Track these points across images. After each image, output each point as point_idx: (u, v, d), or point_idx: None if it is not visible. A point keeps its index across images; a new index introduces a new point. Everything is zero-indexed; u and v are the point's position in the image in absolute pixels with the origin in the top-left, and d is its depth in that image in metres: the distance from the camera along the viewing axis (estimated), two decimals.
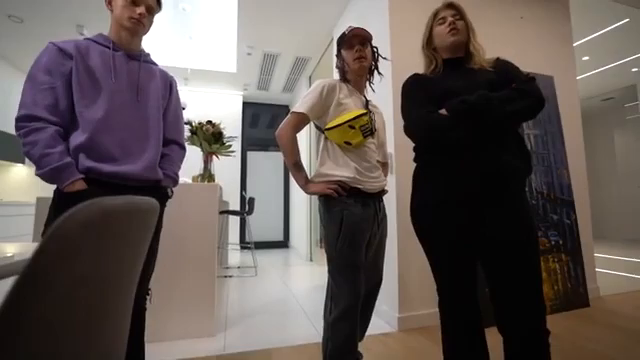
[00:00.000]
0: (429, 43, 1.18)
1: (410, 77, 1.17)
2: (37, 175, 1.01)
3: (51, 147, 0.99)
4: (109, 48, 1.14)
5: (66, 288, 0.32)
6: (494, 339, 1.04)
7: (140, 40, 1.24)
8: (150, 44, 1.25)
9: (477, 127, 0.96)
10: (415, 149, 1.17)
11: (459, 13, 1.12)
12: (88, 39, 1.14)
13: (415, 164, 1.17)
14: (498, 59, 1.10)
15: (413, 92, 1.13)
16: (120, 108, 1.12)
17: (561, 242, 2.41)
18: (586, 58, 4.29)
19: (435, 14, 1.16)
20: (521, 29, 2.68)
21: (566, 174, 2.56)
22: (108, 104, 1.09)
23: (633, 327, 2.00)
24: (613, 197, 5.94)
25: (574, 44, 2.99)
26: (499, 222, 0.97)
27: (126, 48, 1.18)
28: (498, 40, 2.34)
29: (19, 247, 0.79)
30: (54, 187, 1.05)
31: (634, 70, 4.66)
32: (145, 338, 1.25)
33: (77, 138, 1.05)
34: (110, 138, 1.08)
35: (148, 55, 1.28)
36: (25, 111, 1.00)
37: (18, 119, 1.00)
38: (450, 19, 1.11)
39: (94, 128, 1.06)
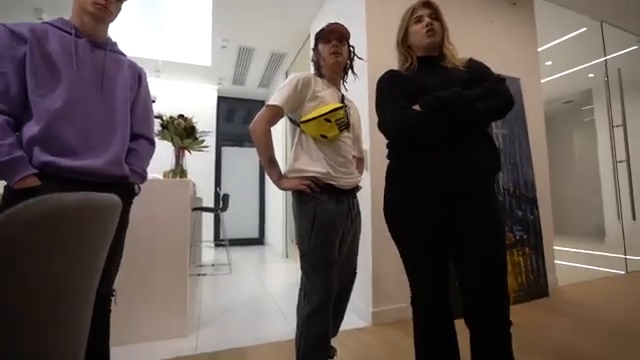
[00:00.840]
0: (404, 40, 1.18)
1: (385, 73, 1.18)
2: None
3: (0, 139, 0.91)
4: (70, 34, 1.06)
5: (16, 290, 0.30)
6: (461, 328, 1.08)
7: (106, 28, 1.16)
8: (118, 33, 1.18)
9: (450, 123, 0.98)
10: (388, 146, 1.18)
11: (435, 13, 1.13)
12: (46, 23, 1.06)
13: (388, 161, 1.18)
14: (471, 59, 1.13)
15: (388, 88, 1.13)
16: (82, 98, 1.05)
17: (525, 237, 2.55)
18: (549, 63, 4.53)
19: (412, 11, 1.16)
20: (490, 32, 2.79)
21: (531, 172, 2.70)
22: (68, 94, 1.02)
23: (588, 315, 2.16)
24: (572, 194, 6.35)
25: (539, 49, 3.15)
26: (469, 218, 1.00)
27: (90, 35, 1.10)
28: (468, 41, 2.41)
29: None
30: (4, 183, 0.97)
31: (590, 76, 4.98)
32: (111, 341, 1.19)
33: (30, 129, 0.97)
34: (70, 130, 1.01)
35: (115, 44, 1.21)
36: None
37: None
38: (427, 19, 1.11)
39: (51, 118, 0.98)
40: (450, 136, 0.99)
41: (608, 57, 3.76)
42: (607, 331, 1.88)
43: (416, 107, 1.01)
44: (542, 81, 3.14)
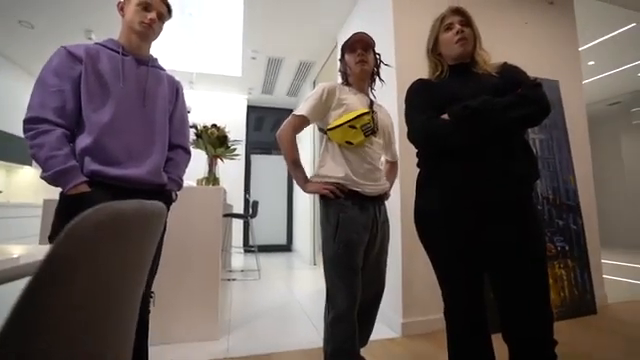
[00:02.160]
0: (434, 49, 1.16)
1: (414, 82, 1.17)
2: (42, 178, 1.02)
3: (57, 149, 1.00)
4: (119, 53, 1.16)
5: (81, 290, 0.33)
6: (497, 344, 1.03)
7: (149, 45, 1.25)
8: (157, 48, 1.27)
9: (479, 132, 0.95)
10: (418, 154, 1.16)
11: (466, 20, 1.10)
12: (98, 44, 1.16)
13: (418, 169, 1.17)
14: (505, 64, 1.09)
15: (416, 98, 1.12)
16: (127, 112, 1.13)
17: (567, 248, 2.38)
18: (592, 63, 4.27)
19: (442, 19, 1.14)
20: (526, 33, 2.68)
21: (572, 179, 2.54)
22: (115, 108, 1.10)
23: None
24: (621, 202, 5.86)
25: (580, 48, 2.97)
26: (506, 229, 0.96)
27: (135, 53, 1.20)
28: (502, 44, 2.34)
29: (25, 249, 0.80)
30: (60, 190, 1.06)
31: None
32: (149, 341, 1.25)
33: (83, 141, 1.06)
34: (116, 142, 1.09)
35: (156, 60, 1.30)
36: (33, 113, 1.01)
37: (26, 121, 1.01)
38: (458, 27, 1.08)
39: (100, 131, 1.06)
40: (481, 145, 0.96)
41: None
42: None
43: (445, 116, 1.00)
44: (584, 82, 2.96)
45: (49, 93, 1.03)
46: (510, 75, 1.05)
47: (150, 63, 1.24)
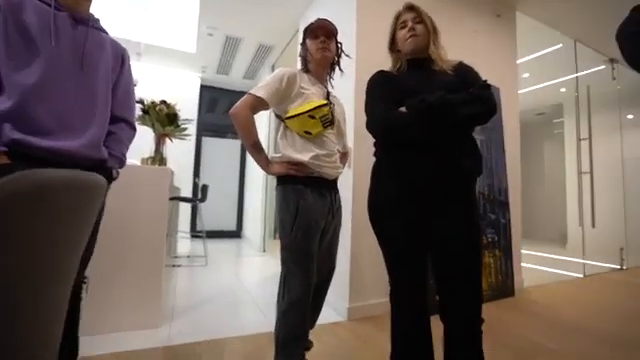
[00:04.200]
0: (393, 46, 1.21)
1: (375, 74, 1.19)
2: None
3: None
4: (50, 5, 1.00)
5: None
6: (434, 325, 1.13)
7: (89, 3, 1.11)
8: (99, 10, 1.12)
9: (434, 126, 1.00)
10: (375, 144, 1.20)
11: (419, 16, 1.15)
12: None
13: (375, 158, 1.20)
14: (461, 63, 1.15)
15: (376, 89, 1.15)
16: (60, 76, 0.99)
17: (496, 239, 2.67)
18: (526, 75, 4.74)
19: (397, 17, 1.19)
20: (474, 41, 2.88)
21: (504, 178, 2.82)
22: (44, 70, 0.96)
23: (550, 314, 2.30)
24: (539, 200, 6.69)
25: (518, 61, 3.28)
26: (450, 219, 1.04)
27: (72, 8, 1.05)
28: (452, 50, 2.48)
29: None
30: None
31: (562, 90, 5.25)
32: (81, 331, 1.15)
33: (1, 104, 0.91)
34: (45, 108, 0.95)
35: (98, 21, 1.15)
36: None
37: None
38: (410, 24, 1.13)
39: (24, 95, 0.92)
40: (435, 139, 1.02)
41: (579, 74, 3.97)
42: (566, 330, 2.01)
43: (402, 109, 1.03)
44: (519, 92, 3.28)
45: None
46: (464, 74, 1.11)
47: (91, 23, 1.10)
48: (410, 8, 1.16)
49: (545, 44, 3.90)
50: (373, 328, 1.95)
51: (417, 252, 1.09)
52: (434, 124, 1.00)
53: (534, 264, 4.04)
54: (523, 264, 3.09)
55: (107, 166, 1.12)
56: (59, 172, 0.36)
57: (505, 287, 2.65)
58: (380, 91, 1.13)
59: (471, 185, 1.10)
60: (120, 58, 1.21)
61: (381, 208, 1.13)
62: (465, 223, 1.05)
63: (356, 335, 1.87)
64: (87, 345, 1.43)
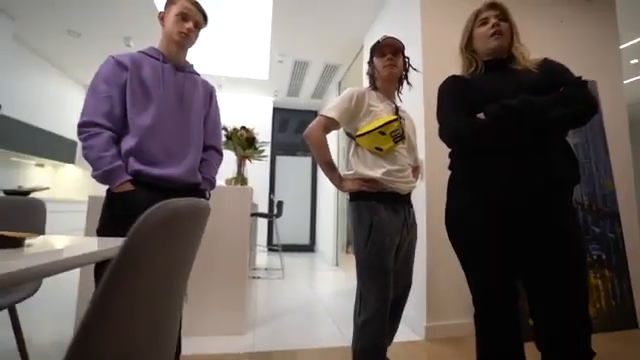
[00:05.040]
0: (468, 45, 1.13)
1: (447, 79, 1.13)
2: (92, 176, 1.12)
3: (104, 151, 1.09)
4: (159, 60, 1.24)
5: (145, 278, 0.37)
6: (529, 353, 1.01)
7: (186, 53, 1.34)
8: (189, 52, 1.36)
9: (515, 132, 0.92)
10: (450, 155, 1.14)
11: (503, 13, 1.07)
12: (142, 52, 1.25)
13: (450, 171, 1.15)
14: (546, 59, 1.04)
15: (448, 96, 1.10)
16: (166, 116, 1.22)
17: (604, 257, 2.27)
18: (635, 61, 4.01)
19: (477, 14, 1.11)
20: (562, 31, 2.57)
21: (610, 184, 2.41)
22: (156, 112, 1.19)
23: None
24: None
25: (621, 46, 2.82)
26: (544, 234, 0.93)
27: (174, 60, 1.28)
28: (537, 42, 2.26)
29: (74, 239, 0.87)
30: (106, 187, 1.15)
31: None
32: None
33: (128, 142, 1.15)
34: (156, 143, 1.17)
35: (192, 66, 1.38)
36: (86, 118, 1.11)
37: (80, 125, 1.11)
38: (493, 20, 1.05)
39: (142, 134, 1.15)
40: (520, 147, 0.92)
41: None
42: None
43: (481, 115, 0.96)
44: (625, 82, 2.79)
45: (100, 99, 1.13)
46: (551, 72, 0.99)
47: (187, 69, 1.33)
48: (492, 5, 1.09)
49: None
50: (453, 350, 1.81)
51: (504, 269, 0.99)
52: (515, 130, 0.91)
53: None
54: None
55: (201, 188, 1.31)
56: (184, 201, 0.45)
57: (623, 316, 2.21)
58: (453, 97, 1.08)
59: (567, 195, 0.97)
60: (209, 94, 1.42)
61: (459, 222, 1.07)
62: (564, 235, 0.92)
63: (433, 356, 1.76)
64: (185, 345, 1.63)
